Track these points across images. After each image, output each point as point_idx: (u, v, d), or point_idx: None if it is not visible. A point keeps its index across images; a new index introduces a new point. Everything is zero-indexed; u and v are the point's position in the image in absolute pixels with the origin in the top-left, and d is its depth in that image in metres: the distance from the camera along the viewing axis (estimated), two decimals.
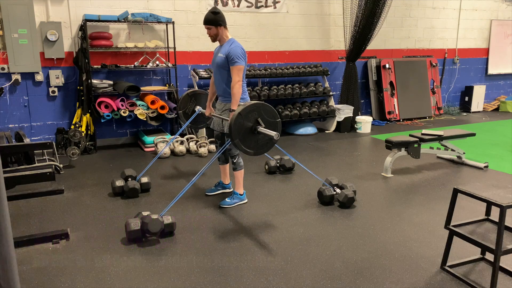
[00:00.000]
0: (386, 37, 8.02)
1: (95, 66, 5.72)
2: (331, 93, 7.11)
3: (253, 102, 3.08)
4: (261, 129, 3.02)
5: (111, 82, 5.77)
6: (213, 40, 3.56)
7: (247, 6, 6.71)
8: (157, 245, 3.00)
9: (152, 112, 5.79)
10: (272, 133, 2.96)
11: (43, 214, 3.57)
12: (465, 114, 8.89)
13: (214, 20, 3.44)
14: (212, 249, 2.94)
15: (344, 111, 7.02)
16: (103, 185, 4.30)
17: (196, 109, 4.23)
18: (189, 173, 4.76)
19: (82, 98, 5.64)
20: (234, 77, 3.41)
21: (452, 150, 4.97)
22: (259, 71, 6.62)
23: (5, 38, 5.25)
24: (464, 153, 5.05)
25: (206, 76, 6.22)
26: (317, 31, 7.37)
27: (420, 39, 8.48)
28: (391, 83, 7.94)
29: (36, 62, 5.46)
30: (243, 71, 3.45)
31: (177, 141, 5.65)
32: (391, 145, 4.59)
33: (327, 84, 7.19)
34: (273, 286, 2.48)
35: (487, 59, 9.37)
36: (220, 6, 6.48)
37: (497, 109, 9.43)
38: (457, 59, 8.96)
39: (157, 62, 6.09)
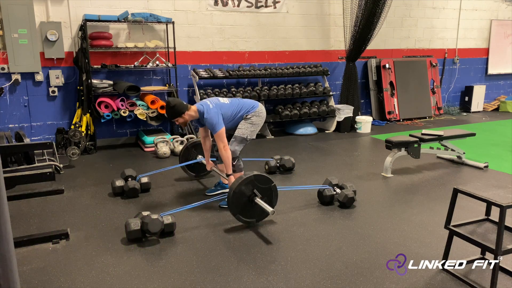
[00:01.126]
0: (386, 37, 8.02)
1: (95, 66, 5.72)
2: (331, 93, 7.11)
3: (245, 176, 3.17)
4: (258, 200, 3.16)
5: (111, 82, 5.77)
6: (185, 125, 3.80)
7: (247, 6, 6.71)
8: (157, 245, 3.00)
9: (152, 112, 5.79)
10: (269, 209, 3.10)
11: (43, 214, 3.57)
12: (465, 114, 8.89)
13: (176, 113, 3.53)
14: (212, 249, 2.94)
15: (344, 111, 7.02)
16: (103, 185, 4.30)
17: (198, 158, 4.36)
18: None
19: (82, 98, 5.64)
20: (219, 144, 3.52)
21: (452, 150, 4.97)
22: (259, 71, 6.62)
23: (5, 38, 5.25)
24: (464, 153, 5.05)
25: (206, 76, 6.22)
26: (317, 31, 7.37)
27: (420, 39, 8.48)
28: (391, 83, 7.94)
29: (36, 62, 5.46)
30: (224, 134, 3.54)
31: (177, 141, 5.65)
32: (391, 145, 4.59)
33: (327, 84, 7.19)
34: (273, 286, 2.48)
35: (487, 59, 9.37)
36: (220, 6, 6.48)
37: (497, 109, 9.43)
38: (457, 59, 8.96)
39: (157, 62, 6.09)
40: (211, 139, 3.91)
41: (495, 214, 2.49)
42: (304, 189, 4.13)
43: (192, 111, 3.57)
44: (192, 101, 6.42)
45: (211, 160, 4.03)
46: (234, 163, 3.70)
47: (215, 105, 3.57)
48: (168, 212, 3.21)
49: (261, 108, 3.77)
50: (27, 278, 2.57)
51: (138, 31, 6.00)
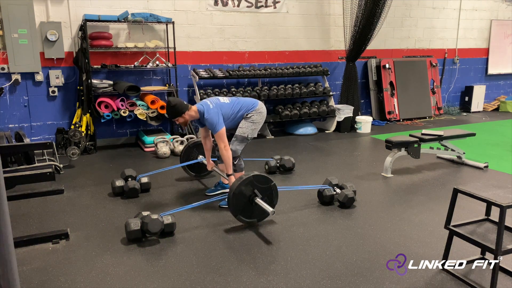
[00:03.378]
0: (386, 37, 8.02)
1: (95, 66, 5.72)
2: (331, 93, 7.11)
3: (245, 177, 3.18)
4: (258, 201, 3.17)
5: (111, 82, 5.77)
6: (185, 125, 3.79)
7: (247, 6, 6.71)
8: (157, 245, 3.00)
9: (152, 112, 5.79)
10: (269, 209, 3.10)
11: (43, 214, 3.57)
12: (465, 114, 8.89)
13: (177, 113, 3.53)
14: (212, 249, 2.94)
15: (344, 111, 7.02)
16: (103, 185, 4.30)
17: (199, 158, 4.35)
18: None
19: (82, 98, 5.64)
20: (220, 144, 3.52)
21: (452, 150, 4.97)
22: (259, 71, 6.62)
23: (5, 38, 5.25)
24: (464, 153, 5.05)
25: (206, 76, 6.22)
26: (317, 31, 7.37)
27: (420, 39, 8.48)
28: (391, 83, 7.94)
29: (36, 62, 5.45)
30: (225, 134, 3.54)
31: (177, 141, 5.65)
32: (391, 145, 4.59)
33: (327, 84, 7.19)
34: (273, 286, 2.48)
35: (487, 59, 9.37)
36: (220, 6, 6.48)
37: (497, 109, 9.43)
38: (457, 59, 8.96)
39: (157, 62, 6.09)
40: (212, 139, 3.91)
41: (495, 214, 2.49)
42: (304, 189, 4.13)
43: (192, 111, 3.57)
44: (192, 101, 6.42)
45: (212, 160, 4.03)
46: (235, 163, 3.70)
47: (216, 105, 3.57)
48: (168, 212, 3.21)
49: (261, 105, 3.78)
50: (27, 278, 2.57)
51: (138, 31, 5.99)
